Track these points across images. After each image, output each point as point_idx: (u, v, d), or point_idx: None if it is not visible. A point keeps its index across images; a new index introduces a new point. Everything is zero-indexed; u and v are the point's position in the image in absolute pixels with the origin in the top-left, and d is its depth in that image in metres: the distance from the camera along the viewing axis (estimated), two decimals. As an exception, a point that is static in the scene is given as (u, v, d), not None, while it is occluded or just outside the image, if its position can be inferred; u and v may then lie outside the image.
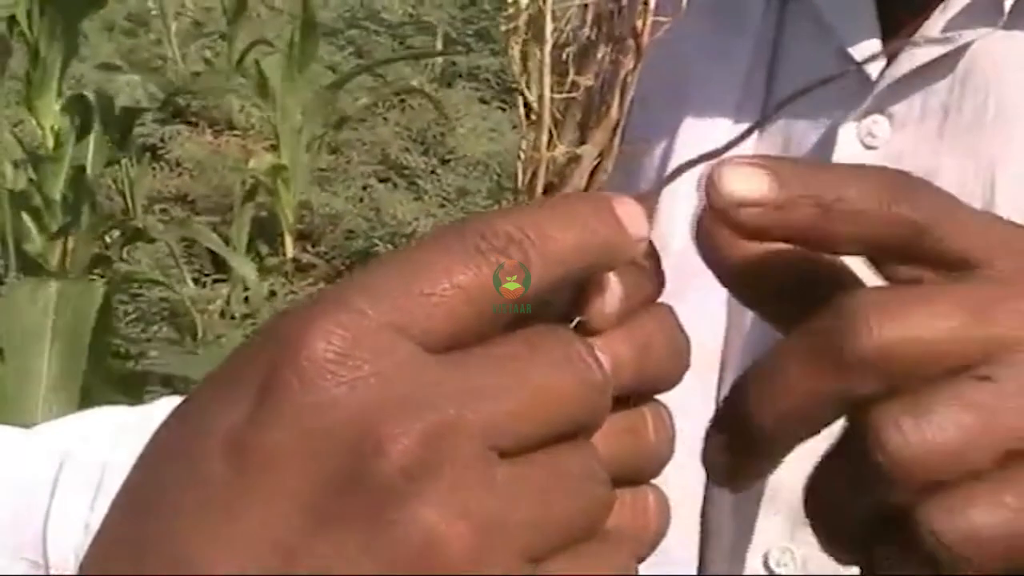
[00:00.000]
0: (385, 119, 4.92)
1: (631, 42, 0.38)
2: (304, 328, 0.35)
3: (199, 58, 5.14)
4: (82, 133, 2.69)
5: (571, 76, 0.38)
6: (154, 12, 5.02)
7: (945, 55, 0.70)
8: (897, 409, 0.40)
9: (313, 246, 4.36)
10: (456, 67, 5.27)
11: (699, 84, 0.76)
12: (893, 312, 0.41)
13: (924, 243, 0.42)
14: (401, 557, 0.33)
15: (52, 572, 0.65)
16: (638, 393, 0.42)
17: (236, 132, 4.91)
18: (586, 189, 0.42)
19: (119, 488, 0.37)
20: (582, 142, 0.40)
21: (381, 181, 4.64)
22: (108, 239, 3.62)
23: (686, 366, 0.43)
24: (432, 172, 4.66)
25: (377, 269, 0.36)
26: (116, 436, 0.67)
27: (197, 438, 0.35)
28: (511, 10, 0.36)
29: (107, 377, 2.34)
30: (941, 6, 0.71)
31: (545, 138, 0.40)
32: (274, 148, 4.37)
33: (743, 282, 0.45)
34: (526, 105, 0.39)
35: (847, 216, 0.42)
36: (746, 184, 0.41)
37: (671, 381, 0.43)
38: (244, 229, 4.02)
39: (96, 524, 0.63)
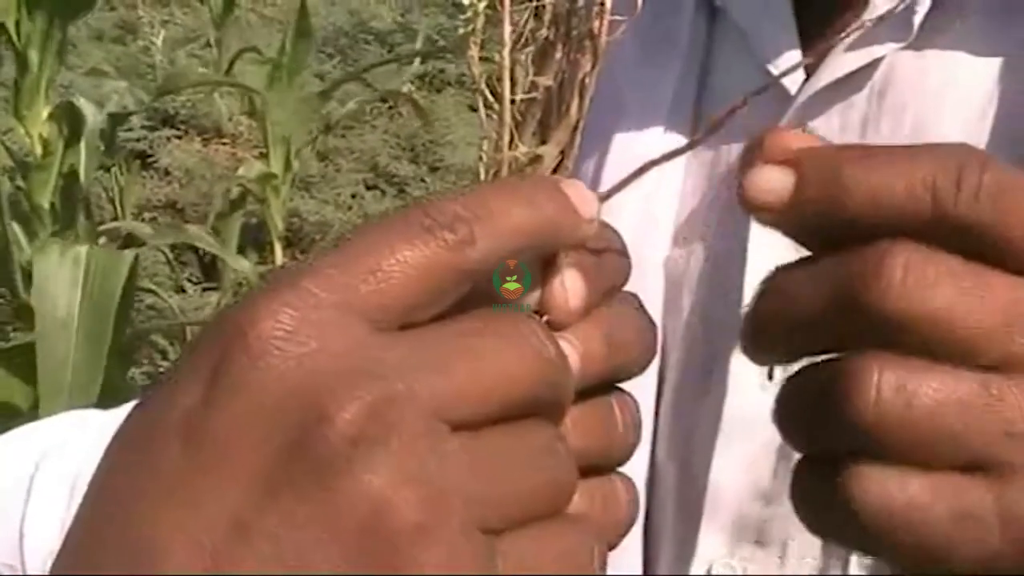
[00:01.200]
0: (373, 127, 4.93)
1: (588, 43, 0.39)
2: (253, 310, 0.35)
3: (188, 66, 5.14)
4: (70, 141, 2.69)
5: (530, 77, 0.39)
6: (143, 19, 5.02)
7: (860, 69, 0.71)
8: (887, 368, 0.40)
9: (302, 253, 4.37)
10: (445, 74, 5.27)
11: (631, 94, 0.77)
12: (920, 280, 0.40)
13: (986, 243, 0.40)
14: (347, 524, 0.33)
15: (29, 574, 0.65)
16: (605, 383, 0.42)
17: (225, 140, 4.91)
18: None
19: (88, 482, 0.38)
20: (543, 142, 0.41)
21: (370, 189, 4.64)
22: (98, 245, 3.62)
23: (653, 353, 0.43)
24: (421, 180, 4.67)
25: (327, 252, 0.37)
26: (90, 439, 0.67)
27: (155, 425, 0.36)
28: (468, 13, 0.36)
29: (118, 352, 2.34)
30: (857, 21, 0.71)
31: (507, 138, 0.41)
32: (263, 156, 4.37)
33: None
34: (487, 106, 0.40)
35: (864, 206, 0.41)
36: (766, 187, 0.42)
37: (639, 368, 0.43)
38: (233, 236, 4.01)
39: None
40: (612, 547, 0.41)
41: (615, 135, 0.76)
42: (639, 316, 0.43)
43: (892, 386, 0.39)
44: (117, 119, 2.82)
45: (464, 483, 0.35)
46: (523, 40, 0.38)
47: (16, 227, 2.69)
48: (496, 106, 0.39)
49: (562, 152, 0.41)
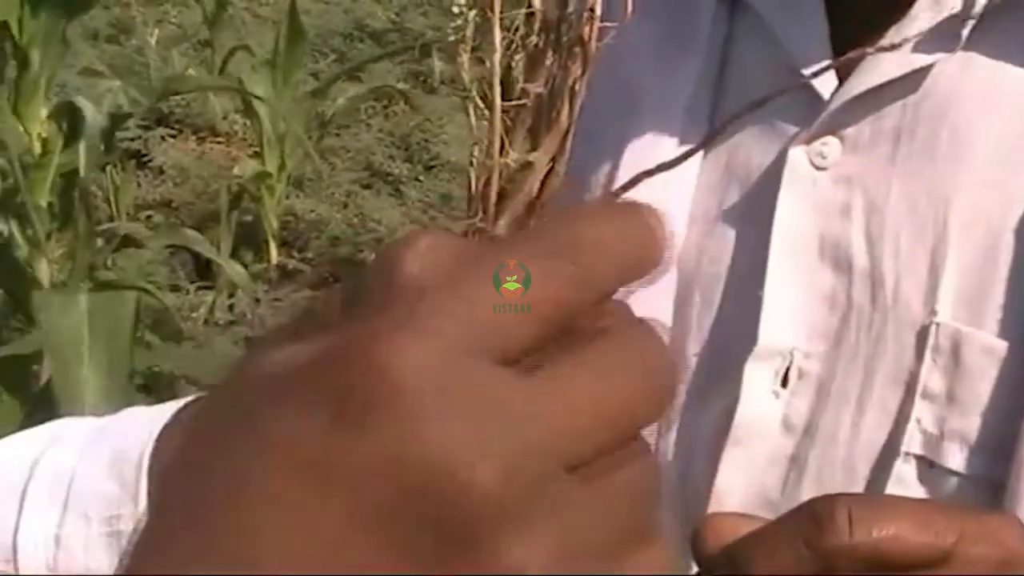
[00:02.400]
0: (368, 125, 4.93)
1: (578, 49, 0.38)
2: (385, 345, 0.33)
3: (182, 65, 5.14)
4: (69, 140, 2.69)
5: (520, 83, 0.39)
6: (137, 19, 5.02)
7: (898, 78, 0.70)
8: None
9: (298, 252, 4.37)
10: (440, 74, 5.27)
11: (649, 95, 0.76)
12: (861, 519, 0.46)
13: None
14: None
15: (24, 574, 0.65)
16: None
17: (220, 139, 4.91)
18: (539, 195, 0.42)
19: (167, 461, 0.36)
20: (534, 148, 0.41)
21: (365, 187, 4.64)
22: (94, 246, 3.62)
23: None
24: (416, 179, 4.67)
25: (442, 284, 0.34)
26: (84, 445, 0.67)
27: (261, 435, 0.33)
28: (459, 20, 0.36)
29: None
30: (895, 27, 0.70)
31: (497, 145, 0.40)
32: (258, 155, 4.37)
33: None
34: (477, 112, 0.40)
35: None
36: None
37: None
38: (229, 236, 4.01)
39: (65, 536, 0.64)
40: None
41: (632, 133, 0.75)
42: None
43: None
44: (116, 119, 2.82)
45: (599, 534, 0.34)
46: (513, 47, 0.38)
47: (14, 226, 2.69)
48: (487, 112, 0.39)
49: (553, 159, 0.41)
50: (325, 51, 5.48)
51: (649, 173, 0.40)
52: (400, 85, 5.05)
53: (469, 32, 0.37)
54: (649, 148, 0.74)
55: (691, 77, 0.75)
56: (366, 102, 4.94)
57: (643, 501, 0.36)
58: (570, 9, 0.38)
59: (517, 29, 0.37)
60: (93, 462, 0.65)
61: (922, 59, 0.69)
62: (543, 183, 0.42)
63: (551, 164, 0.41)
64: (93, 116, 2.71)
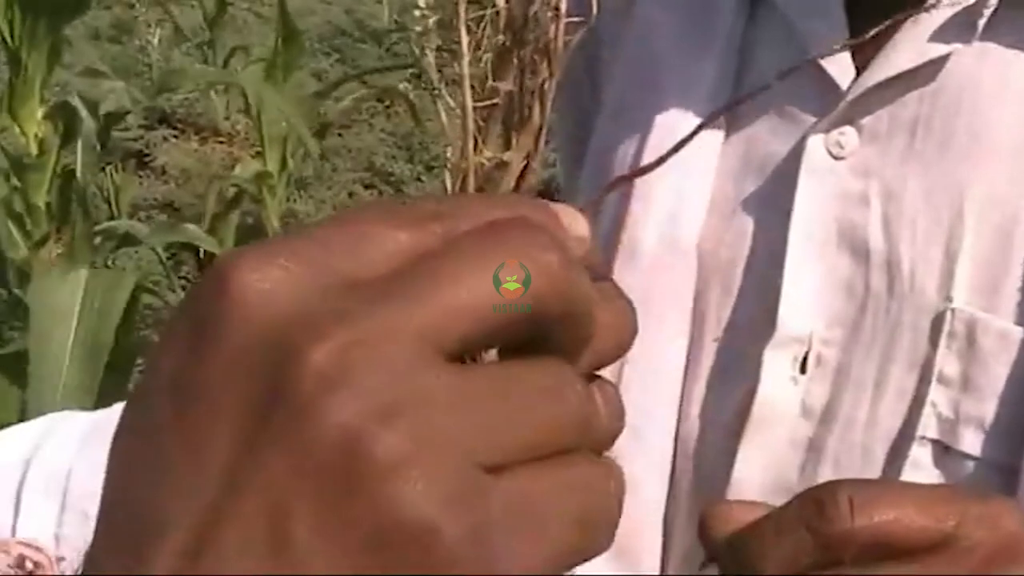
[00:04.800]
0: (370, 126, 4.93)
1: (545, 48, 0.39)
2: (235, 260, 0.34)
3: (183, 65, 5.14)
4: (66, 140, 2.69)
5: (490, 82, 0.39)
6: (139, 19, 5.02)
7: (916, 68, 0.70)
8: None
9: (299, 253, 4.35)
10: (441, 75, 5.26)
11: (671, 83, 0.77)
12: (862, 505, 0.47)
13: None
14: (324, 469, 0.32)
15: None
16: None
17: (221, 139, 4.91)
18: (515, 192, 0.42)
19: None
20: (508, 147, 0.41)
21: (366, 188, 4.64)
22: (94, 245, 3.62)
23: (634, 332, 0.41)
24: (417, 179, 4.67)
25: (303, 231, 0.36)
26: (79, 441, 0.67)
27: (147, 388, 0.35)
28: (423, 23, 0.36)
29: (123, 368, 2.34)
30: (912, 19, 0.71)
31: (471, 145, 0.41)
32: (259, 155, 4.37)
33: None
34: (449, 112, 0.40)
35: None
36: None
37: (623, 352, 0.42)
38: (229, 236, 4.01)
39: (65, 535, 0.64)
40: None
41: (654, 121, 0.76)
42: (619, 299, 0.41)
43: None
44: (113, 118, 2.83)
45: (454, 413, 0.33)
46: (481, 47, 0.38)
47: (12, 226, 2.70)
48: (458, 112, 0.39)
49: (527, 156, 0.41)
50: (327, 51, 5.48)
51: (626, 178, 0.41)
52: (402, 86, 5.05)
53: (433, 35, 0.37)
54: (673, 133, 0.75)
55: (712, 70, 0.76)
56: (368, 104, 4.94)
57: (530, 402, 0.35)
58: (534, 9, 0.38)
59: (483, 29, 0.38)
60: (90, 459, 0.66)
61: (938, 49, 0.70)
62: (519, 181, 0.42)
63: (526, 162, 0.41)
64: (89, 116, 2.71)
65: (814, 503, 0.48)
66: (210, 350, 0.33)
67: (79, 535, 0.64)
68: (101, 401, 2.20)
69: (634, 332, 0.40)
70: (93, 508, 0.63)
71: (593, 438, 0.37)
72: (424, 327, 0.33)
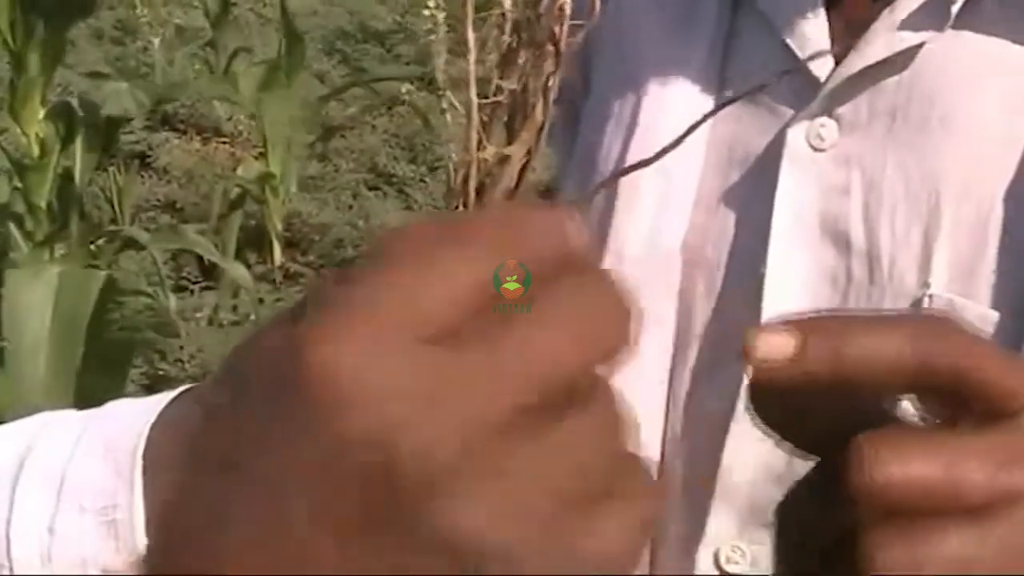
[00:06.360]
0: (373, 127, 4.93)
1: (550, 47, 0.39)
2: (312, 337, 0.34)
3: (186, 65, 5.15)
4: (67, 141, 2.69)
5: (495, 81, 0.40)
6: (142, 19, 5.03)
7: (892, 57, 0.71)
8: (889, 535, 0.42)
9: (302, 254, 4.37)
10: (446, 74, 5.26)
11: (656, 77, 0.78)
12: (893, 453, 0.43)
13: (960, 387, 0.43)
14: (449, 564, 0.33)
15: (17, 572, 0.66)
16: None
17: (224, 139, 4.91)
18: (516, 187, 0.43)
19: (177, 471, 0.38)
20: (510, 143, 0.42)
21: (370, 189, 4.64)
22: (95, 248, 3.63)
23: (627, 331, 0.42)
24: (421, 180, 4.67)
25: (368, 269, 0.36)
26: (74, 438, 0.67)
27: (230, 461, 0.35)
28: (430, 24, 0.37)
29: (100, 364, 2.35)
30: (888, 8, 0.72)
31: (475, 140, 0.41)
32: (262, 156, 4.37)
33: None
34: (453, 110, 0.41)
35: (860, 364, 0.43)
36: (772, 349, 0.43)
37: (616, 351, 0.43)
38: (232, 237, 4.02)
39: (60, 528, 0.64)
40: None
41: (640, 117, 0.77)
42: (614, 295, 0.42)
43: (898, 557, 0.42)
44: (115, 120, 2.83)
45: (543, 495, 0.34)
46: (487, 47, 0.39)
47: (12, 227, 2.70)
48: (464, 110, 0.40)
49: (528, 152, 0.42)
50: (330, 52, 5.49)
51: (617, 176, 0.42)
52: (405, 88, 5.05)
53: (441, 34, 0.38)
54: (655, 129, 0.75)
55: (696, 64, 0.77)
56: (374, 108, 4.94)
57: (595, 454, 0.36)
58: (541, 10, 0.39)
59: (490, 30, 0.38)
60: (86, 454, 0.66)
61: (912, 38, 0.71)
62: (520, 175, 0.43)
63: (527, 157, 0.42)
64: (91, 117, 2.72)
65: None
66: (306, 445, 0.33)
67: (74, 526, 0.64)
68: (79, 397, 2.21)
69: (626, 325, 0.41)
70: (87, 502, 0.64)
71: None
72: (490, 412, 0.34)
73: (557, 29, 0.38)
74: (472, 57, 0.38)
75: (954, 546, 0.42)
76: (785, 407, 0.45)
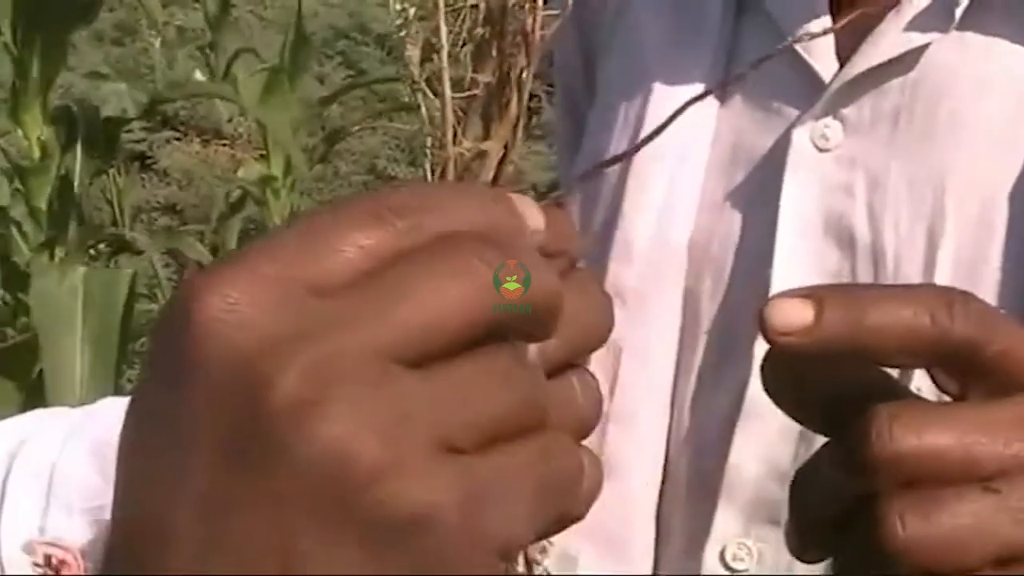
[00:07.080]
0: (373, 129, 4.93)
1: (522, 39, 0.39)
2: (197, 287, 0.35)
3: (188, 68, 5.15)
4: (68, 144, 2.69)
5: (469, 74, 0.39)
6: (142, 21, 5.03)
7: (897, 58, 0.72)
8: (905, 503, 0.43)
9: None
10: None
11: (661, 78, 0.78)
12: (907, 424, 0.43)
13: (976, 358, 0.44)
14: (313, 487, 0.33)
15: (6, 572, 0.66)
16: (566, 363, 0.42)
17: (225, 141, 4.91)
18: (494, 181, 0.43)
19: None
20: (487, 137, 0.42)
21: (370, 191, 4.63)
22: (95, 251, 3.63)
23: (610, 327, 0.42)
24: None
25: (276, 232, 0.37)
26: (63, 437, 0.67)
27: (136, 416, 0.37)
28: (401, 19, 0.37)
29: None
30: (894, 10, 0.72)
31: (450, 135, 0.41)
32: (263, 158, 4.37)
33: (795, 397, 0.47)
34: (428, 104, 0.40)
35: (878, 332, 0.43)
36: (788, 317, 0.43)
37: (598, 344, 0.43)
38: (233, 239, 4.02)
39: (50, 528, 0.64)
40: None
41: (646, 120, 0.77)
42: (594, 292, 0.42)
43: (914, 522, 0.42)
44: (115, 122, 2.83)
45: (423, 412, 0.35)
46: (460, 40, 0.39)
47: (13, 230, 2.70)
48: (438, 104, 0.40)
49: (505, 146, 0.42)
50: (329, 54, 5.49)
51: (604, 164, 0.42)
52: (405, 88, 5.04)
53: (413, 29, 0.38)
54: (659, 137, 0.75)
55: (701, 67, 0.77)
56: (382, 115, 4.94)
57: (488, 391, 0.36)
58: (512, 2, 0.39)
59: (462, 22, 0.38)
60: (74, 453, 0.66)
61: (917, 39, 0.71)
62: (497, 170, 0.43)
63: (504, 152, 0.42)
64: (91, 119, 2.72)
65: (859, 429, 0.46)
66: (183, 388, 0.35)
67: (63, 526, 0.64)
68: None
69: (608, 320, 0.41)
70: (77, 502, 0.64)
71: (567, 420, 0.39)
72: (383, 346, 0.35)
73: (530, 21, 0.38)
74: (444, 50, 0.38)
75: (968, 514, 0.42)
76: (797, 381, 0.45)
